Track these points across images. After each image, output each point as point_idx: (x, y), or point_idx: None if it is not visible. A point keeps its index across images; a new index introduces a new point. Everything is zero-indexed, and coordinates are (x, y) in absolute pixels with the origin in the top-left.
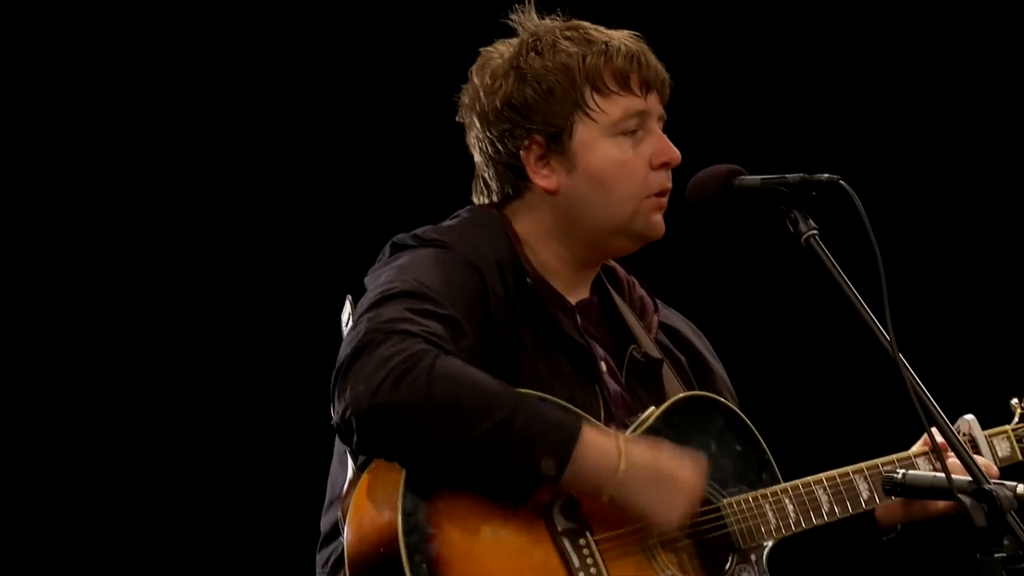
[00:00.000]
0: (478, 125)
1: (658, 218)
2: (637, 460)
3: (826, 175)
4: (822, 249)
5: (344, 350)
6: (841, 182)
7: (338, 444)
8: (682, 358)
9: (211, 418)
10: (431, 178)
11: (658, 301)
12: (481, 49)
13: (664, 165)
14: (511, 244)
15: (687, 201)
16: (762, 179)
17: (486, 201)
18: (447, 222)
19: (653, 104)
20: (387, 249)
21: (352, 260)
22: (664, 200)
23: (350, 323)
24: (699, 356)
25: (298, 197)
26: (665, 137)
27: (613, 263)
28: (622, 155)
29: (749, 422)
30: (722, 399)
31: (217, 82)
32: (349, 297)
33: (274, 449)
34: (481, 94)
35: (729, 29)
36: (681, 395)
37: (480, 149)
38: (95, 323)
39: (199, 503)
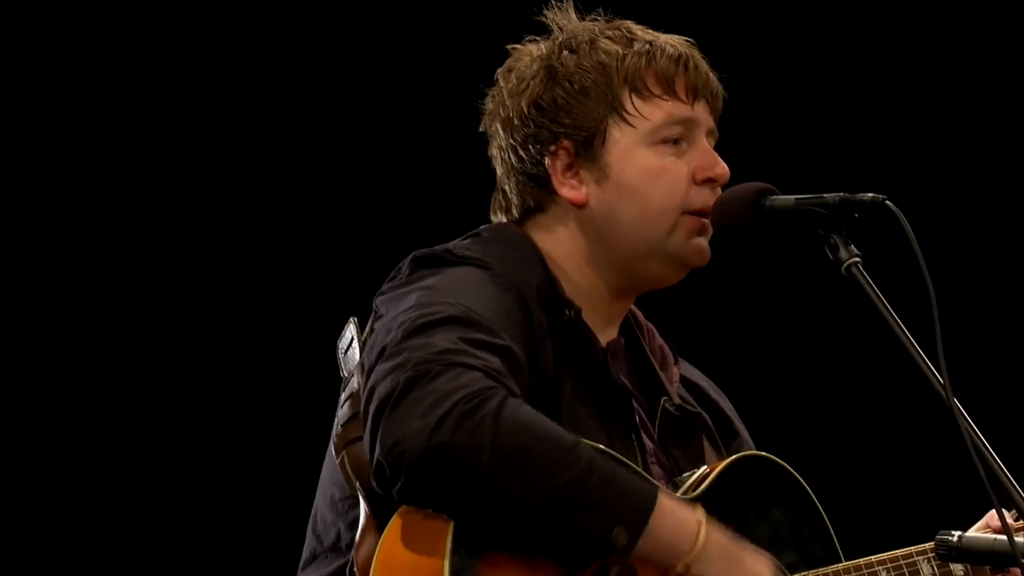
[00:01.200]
0: (501, 133)
1: (700, 241)
2: (716, 537)
3: (870, 194)
4: (866, 279)
5: (385, 383)
6: (888, 202)
7: (328, 485)
8: (705, 416)
9: (209, 420)
10: (446, 188)
11: (676, 354)
12: (509, 47)
13: (709, 181)
14: (546, 270)
15: (712, 227)
16: (796, 199)
17: (502, 214)
18: (467, 240)
19: (701, 114)
20: (406, 265)
21: (354, 267)
22: (707, 222)
23: (369, 349)
24: (724, 417)
25: (303, 201)
26: (713, 151)
27: (633, 307)
28: (660, 162)
29: (809, 489)
30: (784, 463)
31: (218, 86)
32: (353, 320)
33: (271, 452)
34: (506, 97)
35: (748, 35)
36: (744, 454)
37: (502, 160)
38: (89, 326)
39: (196, 505)
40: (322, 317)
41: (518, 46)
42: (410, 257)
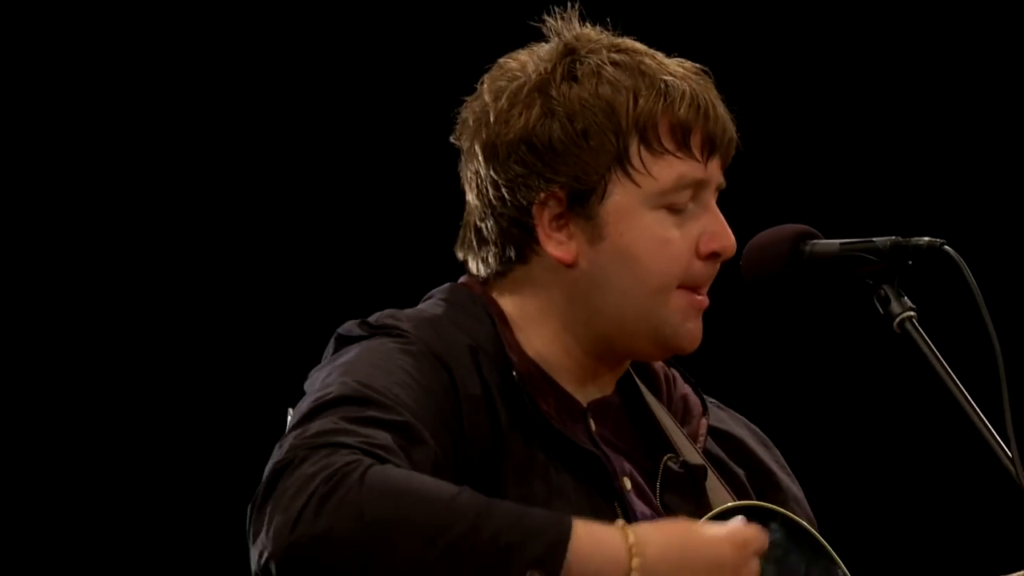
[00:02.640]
0: (481, 158)
1: (694, 325)
2: (655, 548)
3: (926, 238)
4: (922, 337)
5: (264, 478)
6: (946, 247)
7: None
8: (740, 472)
9: (208, 421)
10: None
11: (708, 400)
12: (504, 58)
13: (713, 256)
14: (494, 327)
15: (743, 277)
16: (841, 244)
17: (473, 260)
18: (419, 304)
19: (713, 172)
20: (331, 343)
21: (355, 268)
22: (705, 302)
23: None
24: (764, 469)
25: (303, 201)
26: (722, 217)
27: None
28: (665, 233)
29: (828, 546)
30: (786, 511)
31: (214, 88)
32: (291, 411)
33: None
34: (491, 117)
35: (770, 56)
36: (728, 505)
37: (478, 189)
38: (73, 329)
39: (195, 506)
40: (322, 318)
41: (510, 55)
42: (334, 335)
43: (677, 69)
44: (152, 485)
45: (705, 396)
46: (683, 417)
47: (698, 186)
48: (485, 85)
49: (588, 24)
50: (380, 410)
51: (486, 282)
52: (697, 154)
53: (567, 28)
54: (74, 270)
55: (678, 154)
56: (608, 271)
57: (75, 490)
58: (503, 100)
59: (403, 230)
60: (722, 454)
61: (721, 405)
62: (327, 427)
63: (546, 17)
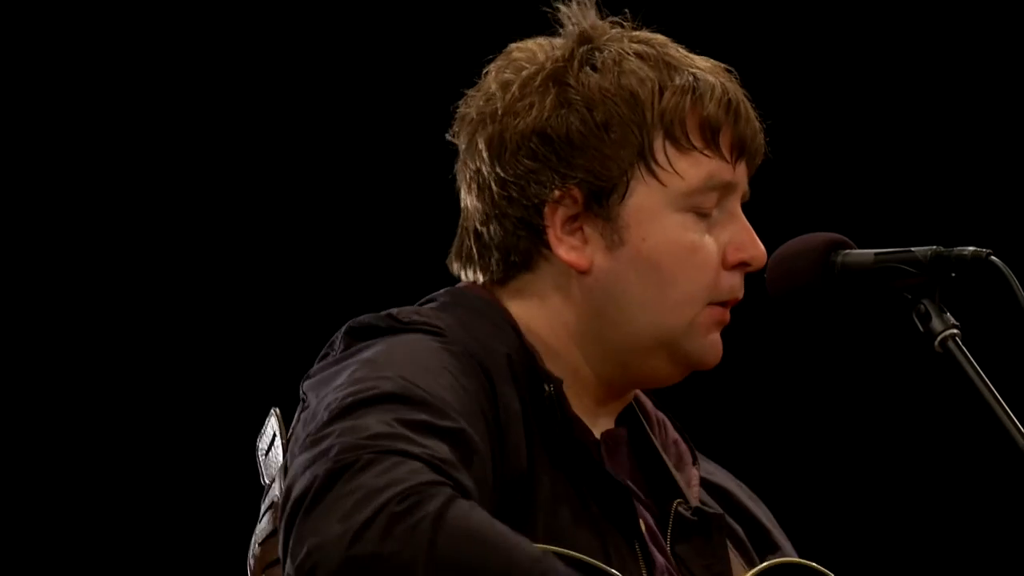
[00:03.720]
0: (485, 153)
1: (717, 339)
2: None
3: (971, 248)
4: (966, 357)
5: (303, 478)
6: (993, 258)
7: None
8: (737, 527)
9: (206, 422)
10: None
11: (696, 451)
12: (512, 47)
13: (742, 265)
14: (520, 339)
15: (767, 291)
16: (876, 254)
17: (471, 270)
18: (420, 305)
19: (741, 177)
20: (340, 337)
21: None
22: (728, 316)
23: (291, 445)
24: (760, 527)
25: (304, 202)
26: (750, 226)
27: (640, 393)
28: (693, 239)
29: None
30: (824, 569)
31: (209, 90)
32: (275, 411)
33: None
34: (499, 109)
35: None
36: (781, 561)
37: (480, 188)
38: (65, 330)
39: (194, 506)
40: (324, 319)
41: (518, 44)
42: (344, 328)
43: (704, 64)
44: (151, 486)
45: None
46: (677, 463)
47: (726, 189)
48: (491, 76)
49: (605, 17)
50: (432, 414)
51: (489, 287)
52: (726, 154)
53: (583, 17)
54: (74, 270)
55: (707, 152)
56: (627, 280)
57: (75, 490)
58: (512, 91)
59: (396, 232)
60: (717, 508)
61: (704, 456)
62: (383, 429)
63: (559, 4)
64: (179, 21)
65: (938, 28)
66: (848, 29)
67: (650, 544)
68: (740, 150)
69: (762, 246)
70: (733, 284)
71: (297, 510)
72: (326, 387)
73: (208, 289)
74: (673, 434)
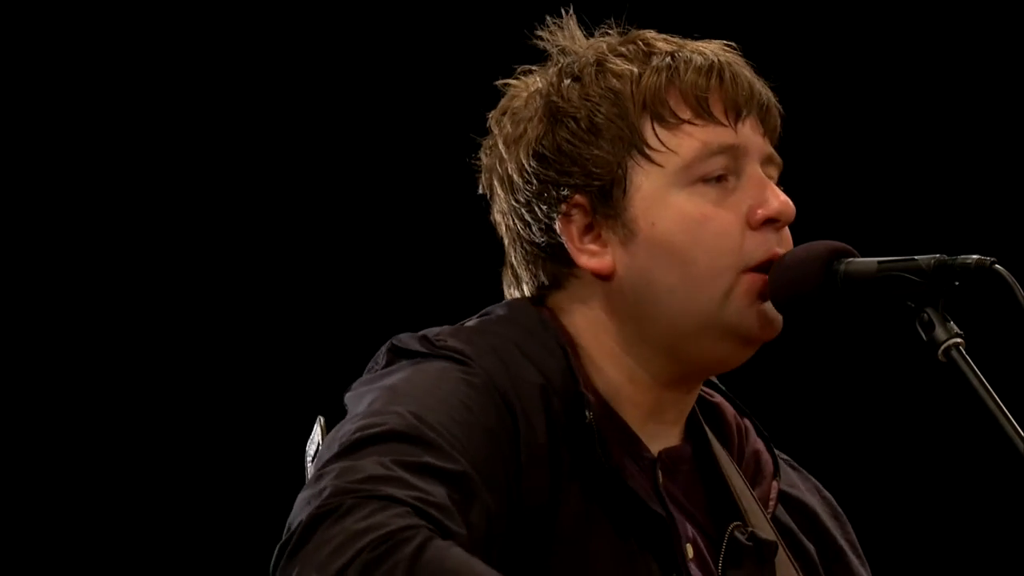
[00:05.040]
0: (501, 193)
1: (767, 308)
2: None
3: (974, 256)
4: (970, 366)
5: (297, 515)
6: (997, 266)
7: None
8: (809, 546)
9: (205, 423)
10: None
11: (782, 457)
12: (500, 83)
13: (770, 222)
14: (566, 360)
15: (770, 300)
16: (879, 263)
17: (519, 293)
18: (473, 321)
19: (749, 138)
20: (382, 353)
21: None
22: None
23: (319, 459)
24: (834, 546)
25: (305, 204)
26: (770, 182)
27: (718, 398)
28: (700, 209)
29: None
30: None
31: (206, 93)
32: (320, 420)
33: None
34: (502, 148)
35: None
36: None
37: (507, 227)
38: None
39: (193, 507)
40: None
41: (511, 81)
42: (387, 344)
43: (694, 44)
44: (151, 486)
45: (777, 453)
46: (753, 477)
47: (731, 153)
48: (493, 120)
49: (594, 30)
50: (436, 455)
51: (542, 300)
52: (721, 118)
53: (567, 38)
54: (74, 271)
55: (696, 122)
56: (649, 270)
57: (75, 490)
58: (508, 124)
59: (427, 239)
60: (792, 525)
61: (794, 464)
62: (378, 472)
63: (541, 32)
64: (184, 22)
65: (941, 35)
66: (852, 35)
67: (694, 570)
68: (737, 110)
69: (785, 196)
70: (765, 243)
71: (283, 553)
72: (355, 408)
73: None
74: (755, 443)
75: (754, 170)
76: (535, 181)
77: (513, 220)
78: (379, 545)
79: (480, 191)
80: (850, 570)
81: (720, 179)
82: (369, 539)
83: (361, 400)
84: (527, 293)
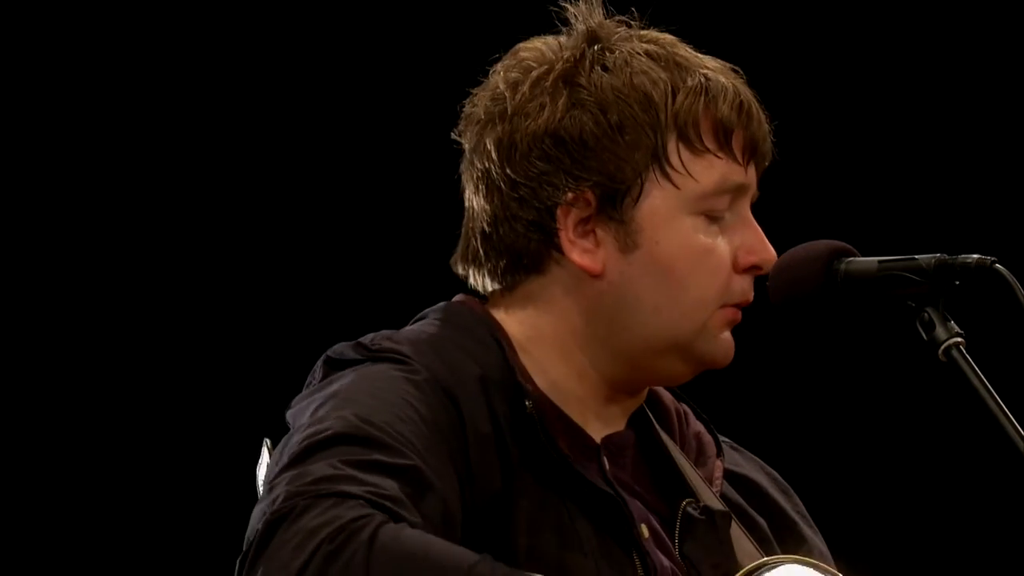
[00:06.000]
0: (495, 154)
1: (728, 337)
2: None
3: (975, 256)
4: (971, 366)
5: (253, 526)
6: (998, 266)
7: None
8: (760, 520)
9: (204, 424)
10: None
11: (723, 440)
12: (519, 46)
13: (753, 269)
14: (502, 352)
15: (770, 299)
16: (880, 262)
17: (478, 273)
18: (409, 326)
19: (751, 178)
20: (318, 367)
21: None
22: (739, 316)
23: (269, 475)
24: (785, 518)
25: (305, 204)
26: (760, 229)
27: (659, 388)
28: (706, 243)
29: None
30: (829, 567)
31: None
32: (267, 442)
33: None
34: (508, 109)
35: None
36: (772, 558)
37: (489, 189)
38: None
39: (191, 508)
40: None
41: (525, 44)
42: (322, 357)
43: (713, 64)
44: (150, 488)
45: (719, 435)
46: (697, 458)
47: (738, 192)
48: (498, 75)
49: (612, 16)
50: (385, 452)
51: (485, 300)
52: (738, 156)
53: (590, 15)
54: (74, 271)
55: (719, 154)
56: (640, 284)
57: (75, 490)
58: (522, 90)
59: (395, 238)
60: (741, 500)
61: (735, 445)
62: (328, 472)
63: (565, 3)
64: (183, 21)
65: (941, 35)
66: (852, 35)
67: (652, 550)
68: (752, 152)
69: (772, 250)
70: (744, 287)
71: (244, 562)
72: (301, 418)
73: (211, 301)
74: (696, 426)
75: (747, 212)
76: (547, 161)
77: (503, 187)
78: (336, 536)
79: (456, 136)
80: (804, 540)
81: (718, 217)
82: (326, 532)
83: (304, 412)
84: (499, 273)
